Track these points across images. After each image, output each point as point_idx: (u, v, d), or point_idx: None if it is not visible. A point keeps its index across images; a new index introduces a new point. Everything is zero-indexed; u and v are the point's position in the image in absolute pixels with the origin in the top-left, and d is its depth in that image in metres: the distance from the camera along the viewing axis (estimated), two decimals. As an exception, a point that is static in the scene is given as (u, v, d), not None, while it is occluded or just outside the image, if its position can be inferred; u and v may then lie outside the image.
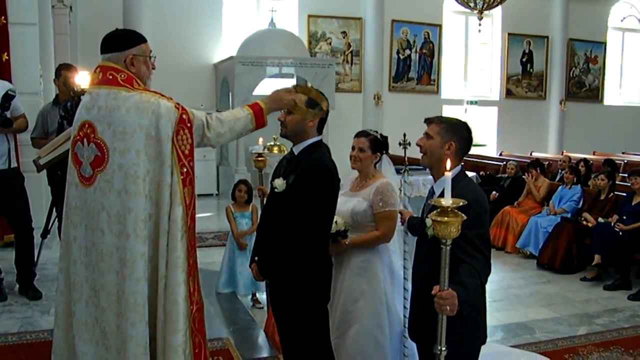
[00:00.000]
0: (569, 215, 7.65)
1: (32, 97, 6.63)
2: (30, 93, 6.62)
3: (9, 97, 5.02)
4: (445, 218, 2.12)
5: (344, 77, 13.53)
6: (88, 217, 2.76)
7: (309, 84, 11.14)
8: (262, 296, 5.48)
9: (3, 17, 6.55)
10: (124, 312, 2.67)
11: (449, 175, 2.20)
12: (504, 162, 10.33)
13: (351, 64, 13.63)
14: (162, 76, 8.09)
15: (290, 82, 12.31)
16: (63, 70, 5.65)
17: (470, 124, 2.85)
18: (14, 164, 5.22)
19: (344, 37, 13.50)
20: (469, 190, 2.61)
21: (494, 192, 8.84)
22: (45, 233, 5.64)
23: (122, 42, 2.83)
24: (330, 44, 13.39)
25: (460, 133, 2.75)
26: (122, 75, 2.75)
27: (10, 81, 5.90)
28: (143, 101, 2.70)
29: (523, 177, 8.99)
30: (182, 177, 2.70)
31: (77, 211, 2.81)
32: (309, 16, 13.19)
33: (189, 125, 2.73)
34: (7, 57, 6.55)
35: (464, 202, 2.15)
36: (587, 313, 5.70)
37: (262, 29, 11.95)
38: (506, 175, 9.36)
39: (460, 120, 2.83)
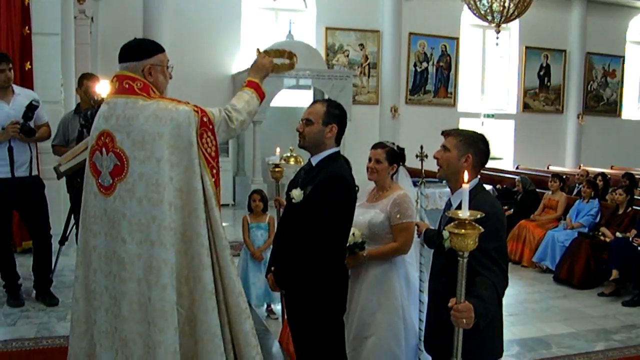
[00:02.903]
0: (586, 230, 7.58)
1: (53, 106, 6.72)
2: (52, 102, 6.71)
3: (32, 107, 5.07)
4: (463, 230, 2.11)
5: (361, 89, 13.56)
6: (108, 226, 2.77)
7: (326, 96, 11.17)
8: (277, 307, 5.48)
9: (27, 27, 6.68)
10: (150, 320, 2.67)
11: (466, 187, 2.19)
12: (519, 176, 10.28)
13: (368, 76, 13.65)
14: (181, 87, 8.19)
15: (307, 94, 12.39)
16: (85, 80, 5.75)
17: (487, 137, 2.85)
18: (35, 172, 5.28)
19: (361, 50, 13.53)
20: (487, 202, 2.60)
21: (505, 207, 8.76)
22: (63, 240, 5.71)
23: (140, 51, 2.84)
24: (347, 56, 13.42)
25: (477, 145, 2.75)
26: (139, 84, 2.77)
27: (32, 89, 6.00)
28: (161, 109, 2.71)
29: (537, 191, 8.93)
30: (213, 179, 2.75)
31: (97, 220, 2.82)
32: (327, 28, 13.24)
33: (210, 127, 2.76)
34: (30, 66, 6.67)
35: (482, 215, 2.15)
36: (605, 329, 5.63)
37: (280, 40, 12.00)
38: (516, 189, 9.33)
39: (478, 133, 2.84)
